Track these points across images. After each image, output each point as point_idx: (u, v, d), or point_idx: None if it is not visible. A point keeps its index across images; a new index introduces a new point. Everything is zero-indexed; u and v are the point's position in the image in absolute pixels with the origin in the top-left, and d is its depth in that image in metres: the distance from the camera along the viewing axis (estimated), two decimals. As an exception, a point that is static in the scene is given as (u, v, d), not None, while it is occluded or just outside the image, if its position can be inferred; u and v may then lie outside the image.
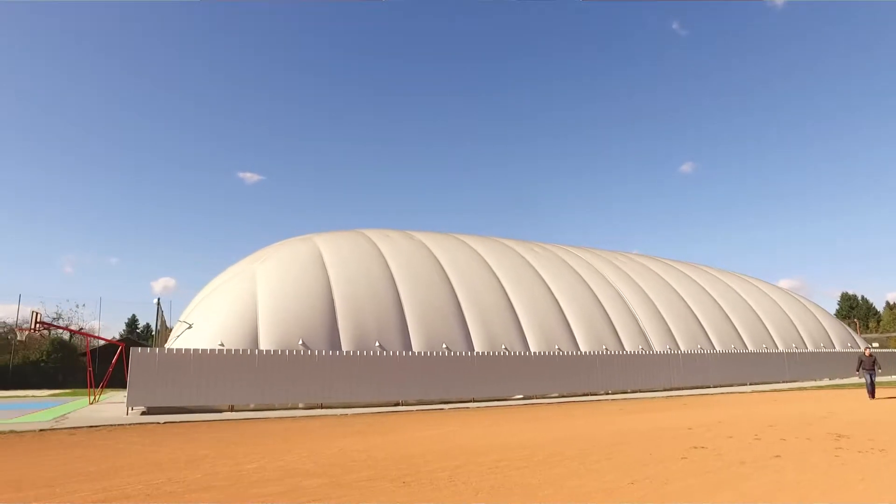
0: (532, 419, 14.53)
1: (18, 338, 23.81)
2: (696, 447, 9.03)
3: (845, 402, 17.45)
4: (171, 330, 33.90)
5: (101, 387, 23.88)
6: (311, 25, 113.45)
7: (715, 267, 40.51)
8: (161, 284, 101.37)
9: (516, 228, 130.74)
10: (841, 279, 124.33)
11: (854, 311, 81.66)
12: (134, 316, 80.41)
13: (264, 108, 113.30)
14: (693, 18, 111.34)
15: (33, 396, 28.09)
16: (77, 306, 41.66)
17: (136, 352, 16.51)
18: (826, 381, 29.39)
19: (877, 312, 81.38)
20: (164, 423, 14.03)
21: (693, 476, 6.82)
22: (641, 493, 5.93)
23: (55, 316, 41.26)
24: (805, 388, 24.94)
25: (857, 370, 18.93)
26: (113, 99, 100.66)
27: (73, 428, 12.95)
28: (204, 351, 17.18)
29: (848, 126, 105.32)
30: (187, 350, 17.02)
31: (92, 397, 22.56)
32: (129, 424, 13.71)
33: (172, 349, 16.99)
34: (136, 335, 68.59)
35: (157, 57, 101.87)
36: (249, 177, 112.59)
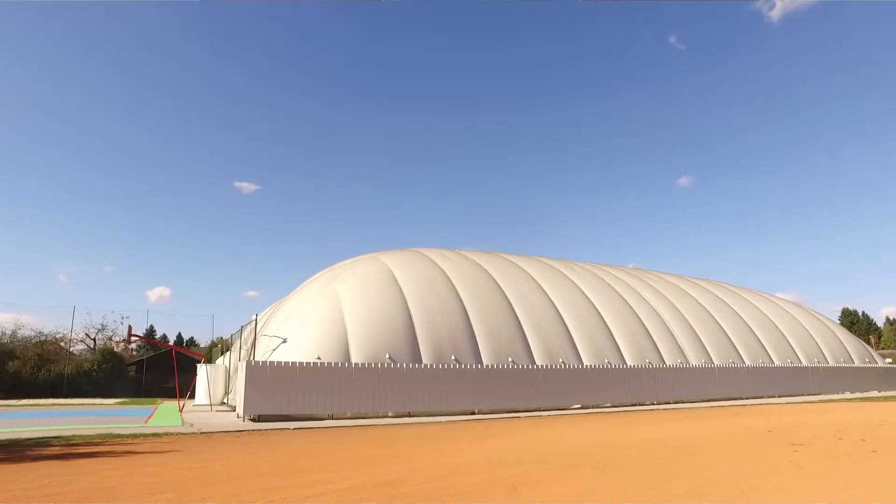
0: (616, 424, 16.40)
1: (116, 349, 25.41)
2: (794, 444, 10.97)
3: (888, 413, 19.41)
4: (227, 342, 35.55)
5: (188, 396, 25.49)
6: (311, 32, 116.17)
7: (727, 283, 42.69)
8: (156, 294, 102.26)
9: (513, 242, 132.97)
10: (836, 294, 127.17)
11: (855, 326, 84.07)
12: (152, 326, 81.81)
13: (262, 117, 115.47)
14: (690, 33, 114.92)
15: (102, 404, 29.61)
16: (122, 317, 43.17)
17: (251, 364, 18.30)
18: (848, 395, 31.43)
19: (877, 328, 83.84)
20: (294, 428, 15.81)
21: (819, 462, 8.77)
22: (793, 473, 7.87)
23: (100, 326, 42.91)
24: (834, 401, 26.96)
25: None
26: (109, 106, 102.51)
27: (224, 432, 14.72)
28: (308, 363, 19.00)
29: (845, 141, 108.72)
30: (294, 363, 18.82)
31: (180, 404, 24.23)
32: (266, 430, 15.47)
33: (281, 362, 18.77)
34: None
35: (154, 64, 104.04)
36: (246, 186, 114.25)
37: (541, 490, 6.97)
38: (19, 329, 41.04)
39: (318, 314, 21.81)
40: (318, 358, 19.68)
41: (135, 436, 13.31)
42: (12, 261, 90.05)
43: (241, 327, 25.85)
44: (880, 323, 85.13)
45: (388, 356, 20.60)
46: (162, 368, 42.87)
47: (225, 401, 26.70)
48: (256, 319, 20.82)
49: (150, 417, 19.85)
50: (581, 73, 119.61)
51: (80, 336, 42.98)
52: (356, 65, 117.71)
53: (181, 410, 23.31)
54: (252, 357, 19.81)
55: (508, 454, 10.33)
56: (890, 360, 38.36)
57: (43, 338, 42.70)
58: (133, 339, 22.88)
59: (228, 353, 30.63)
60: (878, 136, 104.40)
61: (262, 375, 18.27)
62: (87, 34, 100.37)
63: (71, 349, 39.12)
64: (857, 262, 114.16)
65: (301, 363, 18.93)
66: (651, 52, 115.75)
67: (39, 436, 13.06)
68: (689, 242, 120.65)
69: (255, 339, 20.58)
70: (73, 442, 12.19)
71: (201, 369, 27.44)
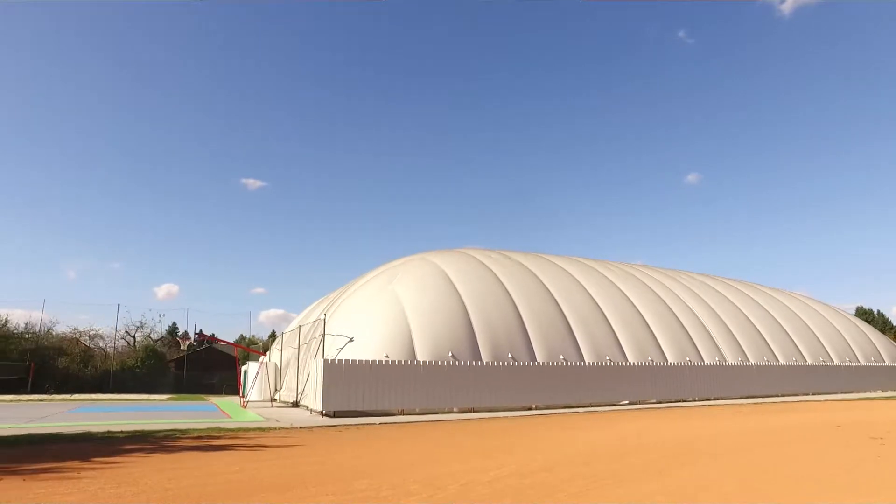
0: (679, 417, 17.26)
1: (182, 348, 26.46)
2: (873, 437, 11.82)
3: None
4: (266, 341, 36.54)
5: (249, 393, 26.48)
6: (317, 30, 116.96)
7: (756, 283, 43.44)
8: (164, 290, 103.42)
9: (519, 239, 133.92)
10: (846, 292, 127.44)
11: (870, 324, 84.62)
12: (174, 323, 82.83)
13: (268, 113, 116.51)
14: (700, 27, 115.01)
15: (155, 400, 30.71)
16: (159, 316, 44.28)
17: (328, 363, 19.24)
18: (879, 393, 32.21)
19: (893, 327, 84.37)
20: (379, 423, 16.76)
21: (916, 455, 9.63)
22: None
23: (139, 324, 44.20)
24: (872, 398, 27.78)
25: None
26: (116, 104, 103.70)
27: (318, 427, 15.67)
28: (380, 361, 19.95)
29: (856, 137, 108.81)
30: (367, 361, 19.78)
31: (242, 401, 25.23)
32: (355, 424, 16.42)
33: (354, 360, 19.71)
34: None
35: (160, 61, 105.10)
36: (252, 183, 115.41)
37: (680, 473, 7.86)
38: (54, 325, 42.47)
39: (382, 314, 22.74)
40: (387, 356, 20.62)
41: (243, 430, 14.25)
42: (21, 258, 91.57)
43: (300, 326, 26.81)
44: (894, 321, 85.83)
45: (450, 354, 21.54)
46: (200, 366, 44.12)
47: (276, 397, 27.70)
48: (325, 319, 21.75)
49: (212, 414, 20.81)
50: (588, 69, 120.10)
51: (121, 333, 44.36)
52: (359, 63, 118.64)
53: (244, 406, 24.31)
54: (322, 355, 20.73)
55: (614, 445, 11.22)
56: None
57: (77, 334, 44.17)
58: (200, 338, 23.86)
59: (277, 350, 31.61)
60: (889, 132, 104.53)
61: (338, 373, 19.22)
62: (93, 32, 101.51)
63: (115, 346, 40.40)
64: (867, 260, 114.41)
65: (374, 361, 19.88)
66: (660, 46, 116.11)
67: (156, 429, 14.02)
68: (697, 240, 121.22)
69: (323, 338, 21.50)
70: (194, 435, 13.15)
71: (256, 366, 28.45)
